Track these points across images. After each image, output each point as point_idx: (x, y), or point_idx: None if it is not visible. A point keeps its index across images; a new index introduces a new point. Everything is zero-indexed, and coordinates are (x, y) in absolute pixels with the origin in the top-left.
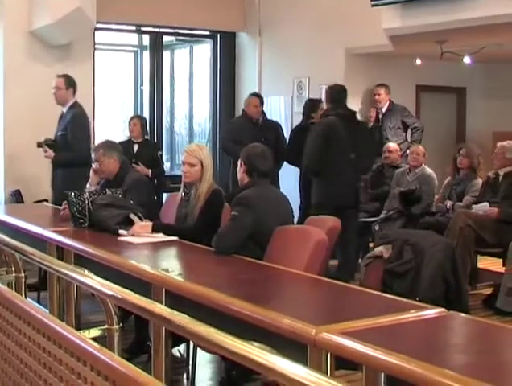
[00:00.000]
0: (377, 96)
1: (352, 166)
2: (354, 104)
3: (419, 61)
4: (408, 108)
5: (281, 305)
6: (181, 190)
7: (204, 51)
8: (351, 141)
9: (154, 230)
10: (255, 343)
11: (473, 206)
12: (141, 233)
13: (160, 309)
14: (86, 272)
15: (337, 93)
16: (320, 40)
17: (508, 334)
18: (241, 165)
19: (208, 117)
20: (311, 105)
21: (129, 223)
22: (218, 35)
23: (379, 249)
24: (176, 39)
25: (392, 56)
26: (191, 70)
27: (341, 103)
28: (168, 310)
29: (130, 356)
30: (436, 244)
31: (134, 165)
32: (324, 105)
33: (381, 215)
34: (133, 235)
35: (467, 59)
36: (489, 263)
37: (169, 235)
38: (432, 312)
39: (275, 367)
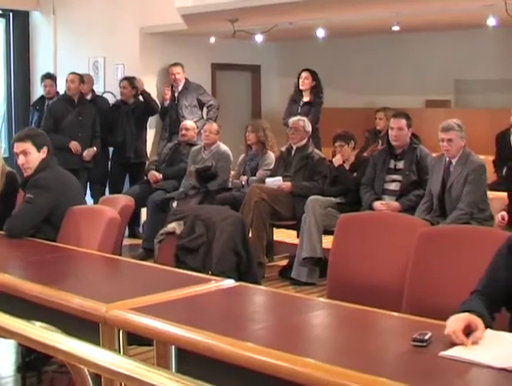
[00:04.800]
0: (177, 75)
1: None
2: (150, 83)
3: (213, 39)
4: (204, 87)
5: (72, 285)
6: None
7: None
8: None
9: None
10: (38, 323)
11: (266, 180)
12: None
13: None
14: None
15: None
16: (115, 19)
17: (293, 301)
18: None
19: (2, 98)
20: None
21: None
22: (11, 14)
23: (172, 226)
24: None
25: (186, 35)
26: None
27: None
28: None
29: None
30: (227, 217)
31: None
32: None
33: (178, 192)
34: None
35: (259, 38)
36: (285, 235)
37: None
38: (223, 284)
39: (56, 345)
